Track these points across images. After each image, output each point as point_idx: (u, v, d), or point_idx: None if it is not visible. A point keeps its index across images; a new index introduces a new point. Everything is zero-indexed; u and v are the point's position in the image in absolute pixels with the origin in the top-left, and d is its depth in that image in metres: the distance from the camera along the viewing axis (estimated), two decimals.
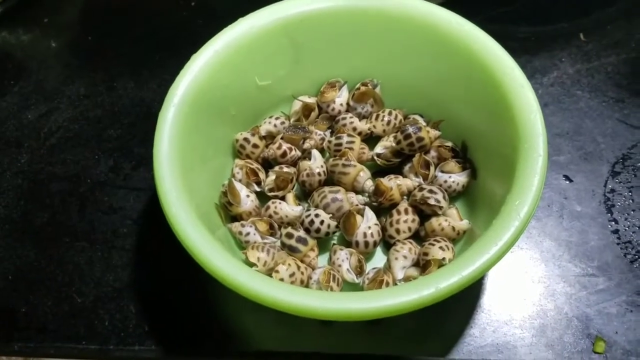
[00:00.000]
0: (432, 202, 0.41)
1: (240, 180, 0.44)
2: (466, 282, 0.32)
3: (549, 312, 0.41)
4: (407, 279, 0.40)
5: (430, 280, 0.32)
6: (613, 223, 0.44)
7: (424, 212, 0.42)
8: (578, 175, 0.46)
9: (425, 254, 0.40)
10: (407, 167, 0.45)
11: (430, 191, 0.42)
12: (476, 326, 0.41)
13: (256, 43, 0.43)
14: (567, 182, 0.46)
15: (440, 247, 0.39)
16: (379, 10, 0.43)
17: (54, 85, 0.54)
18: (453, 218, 0.42)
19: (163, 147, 0.38)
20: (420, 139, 0.43)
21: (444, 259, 0.39)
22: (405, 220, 0.42)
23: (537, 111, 0.37)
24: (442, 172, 0.44)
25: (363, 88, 0.46)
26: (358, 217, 0.41)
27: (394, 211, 0.42)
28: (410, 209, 0.42)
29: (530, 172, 0.35)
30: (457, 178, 0.43)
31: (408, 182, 0.43)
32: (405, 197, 0.44)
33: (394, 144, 0.44)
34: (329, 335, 0.41)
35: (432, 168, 0.43)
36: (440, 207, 0.41)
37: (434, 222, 0.41)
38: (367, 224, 0.41)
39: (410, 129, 0.43)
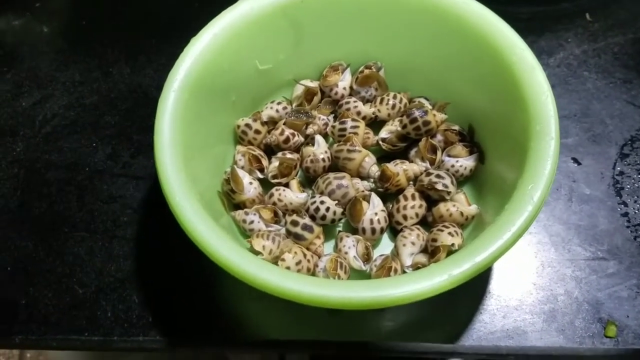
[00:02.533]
0: (439, 187, 0.41)
1: (242, 167, 0.43)
2: (479, 268, 0.31)
3: (559, 297, 0.40)
4: (415, 265, 0.39)
5: (443, 267, 0.32)
6: (622, 206, 0.43)
7: (431, 197, 0.42)
8: (586, 158, 0.45)
9: (434, 240, 0.39)
10: (413, 152, 0.44)
11: (438, 176, 0.41)
12: (486, 312, 0.40)
13: (256, 25, 0.42)
14: (576, 164, 0.45)
15: (450, 233, 0.39)
16: None
17: (48, 71, 0.53)
18: (461, 203, 0.41)
19: (164, 134, 0.36)
20: (426, 123, 0.42)
21: (453, 244, 0.38)
22: (412, 206, 0.41)
23: (549, 93, 0.37)
24: (449, 156, 0.43)
25: (367, 71, 0.45)
26: (364, 203, 0.40)
27: (401, 197, 0.41)
28: (417, 195, 0.41)
29: (542, 155, 0.34)
30: (464, 162, 0.42)
31: (414, 167, 0.43)
32: (411, 182, 0.43)
33: (399, 128, 0.43)
34: (336, 323, 0.40)
35: (439, 152, 0.42)
36: (448, 192, 0.41)
37: (442, 207, 0.41)
38: (374, 211, 0.40)
39: (417, 113, 0.42)
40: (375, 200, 0.41)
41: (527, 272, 0.41)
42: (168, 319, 0.41)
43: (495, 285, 0.41)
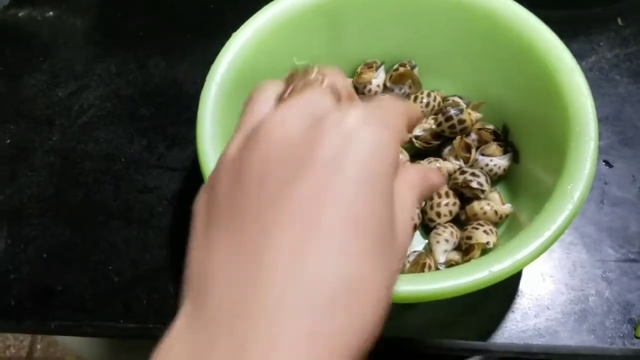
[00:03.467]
0: (474, 185, 0.41)
1: None
2: (520, 266, 0.32)
3: (590, 297, 0.41)
4: (448, 262, 0.40)
5: (484, 263, 0.32)
6: None
7: (464, 195, 0.42)
8: (618, 161, 0.46)
9: (469, 237, 0.39)
10: (446, 150, 0.44)
11: (472, 174, 0.41)
12: (518, 311, 0.40)
13: (296, 22, 0.42)
14: (607, 167, 0.45)
15: (485, 231, 0.39)
16: None
17: (84, 63, 0.53)
18: (495, 202, 0.41)
19: (206, 126, 0.37)
20: (461, 121, 0.42)
21: (488, 242, 0.38)
22: (446, 203, 0.41)
23: (588, 95, 0.37)
24: (483, 155, 0.43)
25: (401, 69, 0.46)
26: None
27: (434, 194, 0.42)
28: (451, 192, 0.42)
29: (582, 155, 0.35)
30: (498, 161, 0.43)
31: (448, 164, 0.43)
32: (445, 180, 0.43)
33: (433, 126, 0.44)
34: None
35: (473, 151, 0.43)
36: (483, 191, 0.41)
37: (476, 205, 0.41)
38: None
39: (452, 111, 0.42)
40: None
41: (559, 272, 0.42)
42: None
43: (527, 284, 0.41)
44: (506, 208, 0.41)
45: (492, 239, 0.39)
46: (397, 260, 0.20)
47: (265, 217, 0.18)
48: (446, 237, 0.40)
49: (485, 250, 0.39)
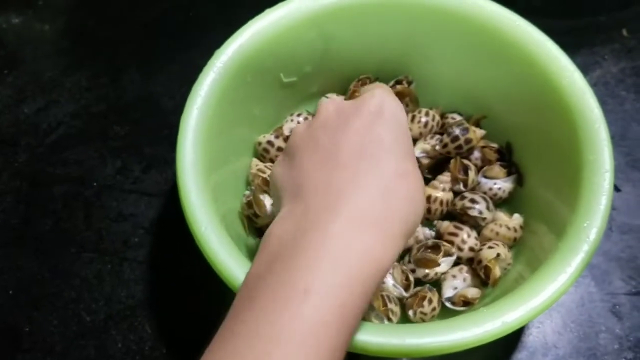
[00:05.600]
0: (474, 213, 0.38)
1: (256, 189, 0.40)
2: (536, 314, 0.29)
3: (600, 334, 0.38)
4: (459, 297, 0.36)
5: (495, 312, 0.29)
6: None
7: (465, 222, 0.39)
8: (626, 185, 0.43)
9: (479, 262, 0.36)
10: (440, 177, 0.41)
11: (472, 200, 0.39)
12: (524, 349, 0.38)
13: (283, 36, 0.39)
14: (615, 191, 0.43)
15: (489, 247, 0.36)
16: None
17: (52, 76, 0.49)
18: (502, 220, 0.38)
19: (187, 155, 0.34)
20: (468, 141, 0.40)
21: (498, 255, 0.36)
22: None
23: (601, 120, 0.34)
24: (486, 177, 0.40)
25: (399, 87, 0.42)
26: None
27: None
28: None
29: (597, 189, 0.32)
30: (502, 184, 0.40)
31: (439, 194, 0.40)
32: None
33: (437, 147, 0.41)
34: None
35: (471, 172, 0.40)
36: (483, 219, 0.38)
37: (486, 231, 0.38)
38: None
39: (458, 131, 0.39)
40: None
41: (566, 307, 0.39)
42: (184, 352, 0.38)
43: (534, 321, 0.39)
44: (516, 218, 0.38)
45: (500, 249, 0.36)
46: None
47: (332, 144, 0.28)
48: (454, 273, 0.37)
49: (500, 261, 0.36)
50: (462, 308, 0.36)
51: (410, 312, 0.36)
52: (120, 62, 0.50)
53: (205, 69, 0.36)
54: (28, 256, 0.41)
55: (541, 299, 0.29)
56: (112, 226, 0.42)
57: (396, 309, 0.36)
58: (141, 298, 0.40)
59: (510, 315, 0.29)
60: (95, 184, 0.44)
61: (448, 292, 0.37)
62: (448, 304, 0.37)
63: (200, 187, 0.33)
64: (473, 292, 0.36)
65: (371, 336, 0.28)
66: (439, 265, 0.37)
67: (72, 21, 0.53)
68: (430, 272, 0.37)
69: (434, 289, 0.37)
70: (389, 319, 0.35)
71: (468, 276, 0.37)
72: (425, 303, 0.36)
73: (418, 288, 0.37)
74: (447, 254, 0.37)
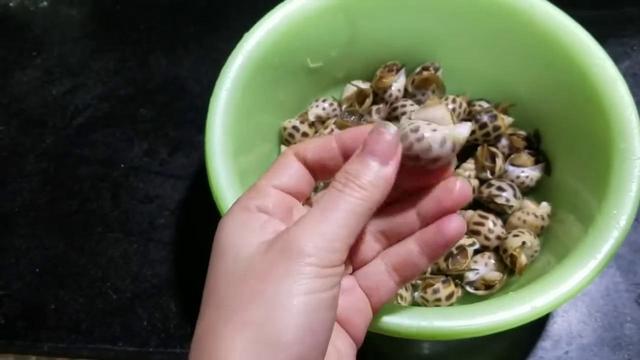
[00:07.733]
0: (501, 200, 0.38)
1: None
2: (565, 299, 0.29)
3: (625, 325, 0.38)
4: (480, 281, 0.36)
5: (525, 297, 0.29)
6: None
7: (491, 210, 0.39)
8: None
9: (505, 250, 0.36)
10: (464, 165, 0.41)
11: (499, 188, 0.38)
12: (548, 338, 0.38)
13: (311, 20, 0.39)
14: None
15: (514, 235, 0.36)
16: None
17: (80, 58, 0.50)
18: (529, 208, 0.38)
19: (216, 138, 0.34)
20: (496, 128, 0.39)
21: (523, 243, 0.36)
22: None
23: (632, 108, 0.34)
24: (513, 165, 0.40)
25: (425, 73, 0.42)
26: None
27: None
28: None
29: (627, 177, 0.32)
30: (530, 172, 0.40)
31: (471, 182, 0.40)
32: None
33: None
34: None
35: (498, 160, 0.40)
36: (510, 207, 0.38)
37: (512, 219, 0.38)
38: None
39: (486, 118, 0.39)
40: None
41: (592, 297, 0.39)
42: None
43: (559, 309, 0.38)
44: (544, 207, 0.38)
45: (525, 237, 0.36)
46: None
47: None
48: (486, 262, 0.37)
49: (527, 249, 0.36)
50: (483, 292, 0.36)
51: (416, 294, 0.37)
52: (147, 46, 0.50)
53: (234, 51, 0.36)
54: (54, 236, 0.42)
55: (570, 285, 0.29)
56: (139, 207, 0.43)
57: (407, 294, 0.36)
58: (167, 278, 0.40)
59: (539, 300, 0.29)
60: (122, 165, 0.44)
61: (470, 276, 0.37)
62: (470, 289, 0.37)
63: (228, 169, 0.33)
64: (494, 275, 0.36)
65: (402, 319, 0.28)
66: (471, 264, 0.37)
67: (98, 5, 0.53)
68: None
69: (450, 281, 0.37)
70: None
71: (491, 262, 0.37)
72: (430, 291, 0.36)
73: (431, 276, 0.37)
74: (471, 245, 0.38)
